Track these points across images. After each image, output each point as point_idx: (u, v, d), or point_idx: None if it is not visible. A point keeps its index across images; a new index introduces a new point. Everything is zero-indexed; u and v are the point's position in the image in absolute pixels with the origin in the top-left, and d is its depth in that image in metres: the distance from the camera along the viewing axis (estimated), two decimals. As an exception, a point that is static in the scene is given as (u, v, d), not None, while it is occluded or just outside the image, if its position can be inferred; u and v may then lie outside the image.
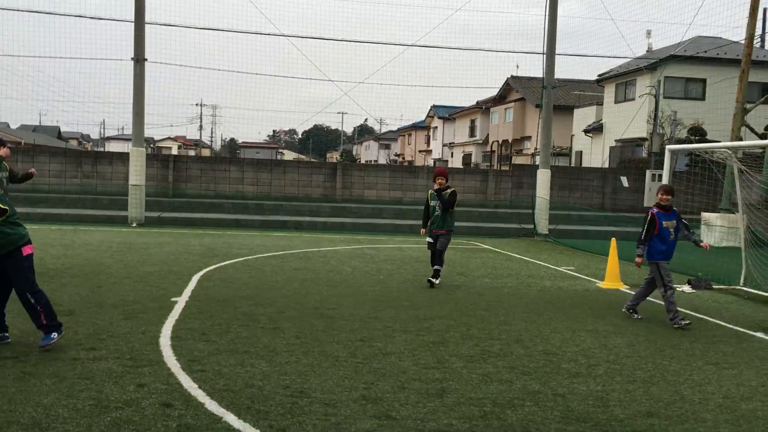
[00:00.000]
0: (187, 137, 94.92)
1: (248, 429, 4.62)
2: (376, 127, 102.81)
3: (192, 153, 75.81)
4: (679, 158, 25.72)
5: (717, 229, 20.08)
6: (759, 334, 8.34)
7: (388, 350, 6.82)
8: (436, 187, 11.22)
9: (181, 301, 8.89)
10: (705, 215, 20.66)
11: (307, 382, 5.68)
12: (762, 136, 22.68)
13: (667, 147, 12.59)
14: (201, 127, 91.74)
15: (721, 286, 11.93)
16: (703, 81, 33.36)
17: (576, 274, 13.23)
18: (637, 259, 8.89)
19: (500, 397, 5.51)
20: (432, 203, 11.22)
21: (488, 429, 4.79)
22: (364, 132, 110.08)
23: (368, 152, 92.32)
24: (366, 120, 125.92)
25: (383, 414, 4.99)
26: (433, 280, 11.03)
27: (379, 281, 11.37)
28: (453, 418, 4.96)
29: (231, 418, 4.78)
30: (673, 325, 8.49)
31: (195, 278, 10.86)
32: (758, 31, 35.37)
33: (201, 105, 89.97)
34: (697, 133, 31.12)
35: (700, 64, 32.83)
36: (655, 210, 8.83)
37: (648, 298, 10.79)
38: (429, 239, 11.29)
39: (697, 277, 12.41)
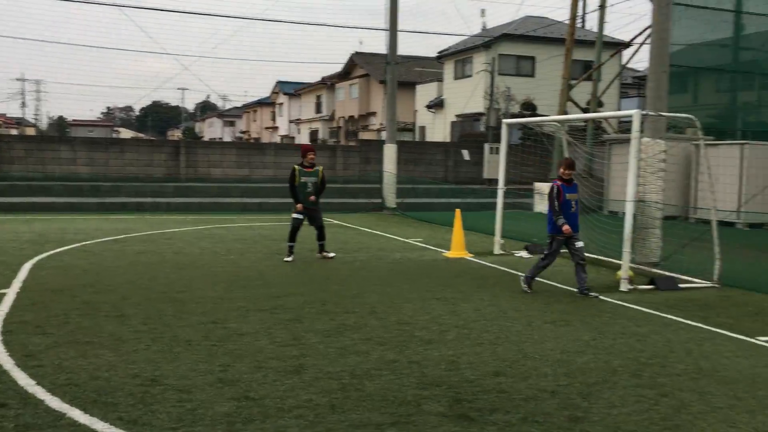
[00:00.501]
0: (8, 115, 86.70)
1: (96, 423, 4.35)
2: (220, 104, 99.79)
3: (15, 132, 69.44)
4: (513, 132, 27.26)
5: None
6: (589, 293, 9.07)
7: (243, 330, 6.69)
8: (307, 162, 11.33)
9: (10, 293, 8.17)
10: (537, 185, 22.11)
11: (158, 369, 5.45)
12: (584, 110, 24.56)
13: (504, 121, 13.26)
14: (24, 103, 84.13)
15: (554, 250, 12.83)
16: (533, 59, 35.47)
17: (424, 245, 13.69)
18: (566, 227, 8.76)
19: (358, 368, 5.59)
20: (302, 179, 11.26)
21: (347, 401, 4.85)
22: (206, 109, 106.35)
23: (212, 129, 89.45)
24: (208, 96, 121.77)
25: (241, 395, 4.90)
26: (328, 254, 11.52)
27: (229, 261, 11.11)
28: (312, 393, 4.98)
29: (76, 414, 4.48)
30: (522, 283, 9.08)
31: (26, 267, 10.01)
32: (580, 12, 38.16)
33: (23, 80, 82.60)
34: (529, 108, 33.16)
35: (530, 43, 34.87)
36: (559, 182, 8.92)
37: (494, 265, 11.40)
38: (299, 215, 11.31)
39: (533, 242, 13.27)
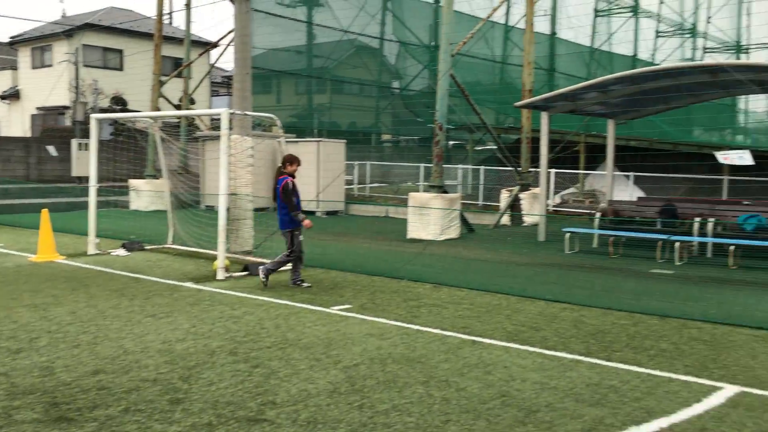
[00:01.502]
0: None
1: None
2: None
3: None
4: (104, 127, 26.07)
5: (144, 194, 21.29)
6: (187, 284, 9.40)
7: None
8: None
9: None
10: (132, 182, 21.60)
11: None
12: (177, 107, 24.75)
13: (93, 116, 12.70)
14: None
15: (153, 246, 12.85)
16: (120, 52, 34.26)
17: (6, 251, 12.36)
18: (307, 221, 9.02)
19: (-71, 392, 4.96)
20: None
21: None
22: None
23: None
24: None
25: None
26: None
27: None
28: None
29: None
30: (260, 275, 9.14)
31: None
32: (167, 9, 38.09)
33: None
34: (119, 103, 32.00)
35: (117, 35, 33.59)
36: (290, 179, 9.06)
37: (89, 266, 10.97)
38: None
39: (130, 240, 13.06)
